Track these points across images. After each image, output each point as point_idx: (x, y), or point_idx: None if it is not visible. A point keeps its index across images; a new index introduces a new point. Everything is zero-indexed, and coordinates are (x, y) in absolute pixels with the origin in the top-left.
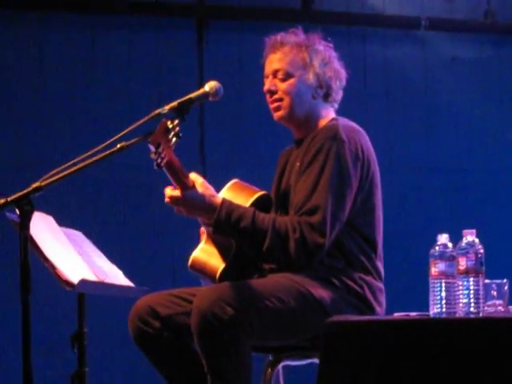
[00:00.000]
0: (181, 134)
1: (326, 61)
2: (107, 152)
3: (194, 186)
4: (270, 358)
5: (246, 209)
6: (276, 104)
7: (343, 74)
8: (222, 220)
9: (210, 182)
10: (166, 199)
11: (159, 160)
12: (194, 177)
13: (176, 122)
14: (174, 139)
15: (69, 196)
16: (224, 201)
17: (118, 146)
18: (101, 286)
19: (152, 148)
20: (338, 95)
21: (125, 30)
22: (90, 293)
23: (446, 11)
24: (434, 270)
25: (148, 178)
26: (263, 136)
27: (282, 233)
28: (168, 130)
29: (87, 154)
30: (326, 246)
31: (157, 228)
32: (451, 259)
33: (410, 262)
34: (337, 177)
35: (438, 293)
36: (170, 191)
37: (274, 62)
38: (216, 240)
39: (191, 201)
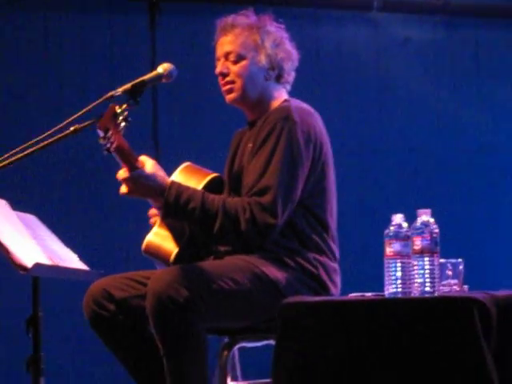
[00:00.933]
0: (130, 119)
1: (278, 42)
2: (61, 134)
3: (142, 167)
4: (226, 339)
5: (195, 191)
6: (228, 86)
7: (295, 55)
8: (170, 202)
9: (163, 166)
10: (120, 180)
11: (108, 145)
12: (143, 158)
13: (124, 106)
14: (122, 124)
15: (22, 180)
16: (173, 183)
17: (72, 128)
18: (55, 269)
19: (100, 133)
20: (290, 76)
21: (77, 11)
22: (44, 276)
23: None
24: (389, 250)
25: (101, 160)
26: (217, 119)
27: (232, 214)
28: (116, 115)
29: (41, 137)
30: (278, 226)
31: (110, 211)
32: (406, 239)
33: (365, 242)
34: (288, 157)
35: (393, 273)
36: (122, 173)
37: (226, 44)
38: (169, 223)
39: (138, 179)
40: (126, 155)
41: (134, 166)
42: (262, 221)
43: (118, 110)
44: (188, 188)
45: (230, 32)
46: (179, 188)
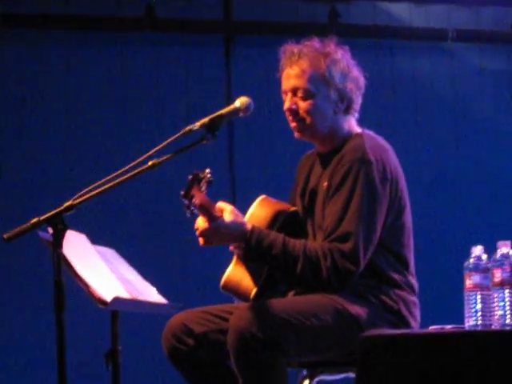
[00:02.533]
0: (212, 179)
1: (346, 72)
2: (138, 169)
3: (220, 216)
4: (305, 372)
5: (275, 236)
6: (298, 124)
7: (362, 80)
8: (252, 249)
9: (239, 198)
10: (197, 232)
11: (192, 209)
12: (222, 205)
13: (207, 171)
14: (205, 186)
15: (101, 214)
16: (253, 229)
17: (150, 163)
18: (134, 303)
19: (185, 202)
20: (358, 104)
21: (153, 46)
22: (123, 310)
23: (473, 22)
24: (468, 283)
25: (176, 194)
26: (292, 151)
27: (314, 261)
28: (200, 181)
29: (119, 172)
30: (359, 272)
31: (186, 244)
32: (486, 271)
33: (444, 274)
34: (367, 200)
35: (474, 305)
36: (201, 223)
37: (292, 78)
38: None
39: (218, 229)
40: (207, 210)
41: (213, 216)
42: (343, 268)
43: (202, 176)
44: (269, 234)
45: (295, 64)
46: (260, 234)
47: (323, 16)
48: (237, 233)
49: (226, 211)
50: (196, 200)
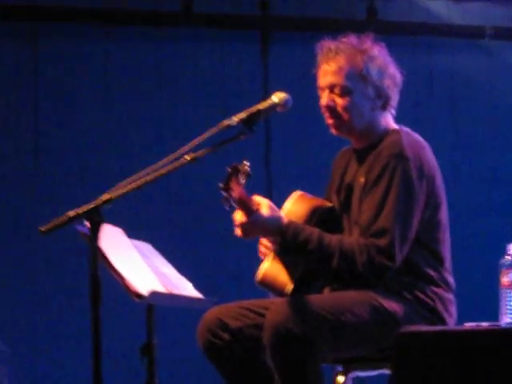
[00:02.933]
0: (250, 172)
1: (383, 68)
2: (176, 163)
3: (258, 210)
4: (340, 368)
5: (311, 231)
6: (335, 120)
7: (399, 77)
8: (288, 244)
9: (275, 195)
10: (235, 225)
11: (231, 203)
12: (259, 199)
13: (246, 163)
14: (244, 179)
15: (138, 208)
16: (290, 223)
17: (188, 157)
18: (170, 297)
19: (224, 194)
20: (395, 101)
21: (189, 42)
22: (159, 304)
23: (511, 20)
24: (504, 280)
25: (213, 189)
26: (329, 147)
27: (349, 256)
28: (238, 173)
29: (157, 166)
30: (395, 268)
31: (222, 238)
32: None
33: (480, 272)
34: (403, 196)
35: (509, 302)
36: (239, 217)
37: (329, 74)
38: (283, 256)
39: (256, 223)
40: (245, 204)
41: (250, 210)
42: (378, 263)
43: (240, 168)
44: (304, 228)
45: (332, 60)
46: (296, 229)
47: (361, 13)
48: (273, 227)
49: (263, 205)
50: (234, 193)
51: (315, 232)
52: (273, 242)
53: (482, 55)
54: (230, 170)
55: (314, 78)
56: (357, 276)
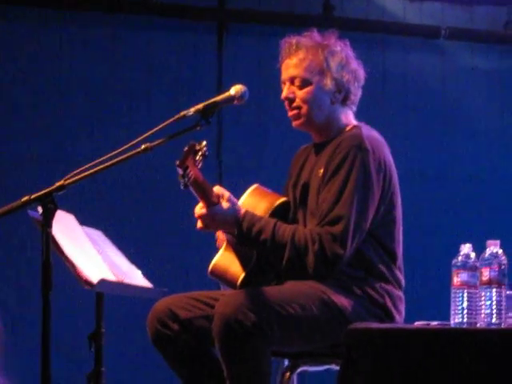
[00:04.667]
0: (207, 153)
1: (344, 63)
2: (131, 152)
3: (218, 201)
4: (287, 362)
5: (266, 221)
6: (294, 112)
7: (361, 73)
8: (243, 233)
9: (226, 186)
10: (196, 216)
11: (186, 180)
12: (219, 190)
13: (203, 143)
14: (200, 159)
15: (90, 195)
16: (246, 214)
17: (143, 146)
18: (120, 286)
19: (180, 171)
20: (357, 96)
21: (146, 31)
22: (108, 292)
23: (466, 21)
24: (456, 280)
25: (165, 179)
26: (281, 140)
27: (302, 245)
28: (196, 152)
29: (111, 154)
30: (346, 257)
31: (172, 228)
32: (474, 269)
33: (432, 271)
34: (361, 186)
35: (460, 303)
36: (198, 209)
37: (291, 67)
38: (236, 247)
39: (216, 216)
40: (202, 189)
41: (210, 202)
42: (331, 251)
43: (198, 148)
44: (260, 219)
45: (294, 54)
46: (252, 219)
47: (317, 8)
48: (232, 219)
49: (224, 198)
50: (191, 174)
51: (271, 222)
52: (226, 232)
53: (436, 55)
54: (187, 148)
55: (268, 71)
56: (308, 266)
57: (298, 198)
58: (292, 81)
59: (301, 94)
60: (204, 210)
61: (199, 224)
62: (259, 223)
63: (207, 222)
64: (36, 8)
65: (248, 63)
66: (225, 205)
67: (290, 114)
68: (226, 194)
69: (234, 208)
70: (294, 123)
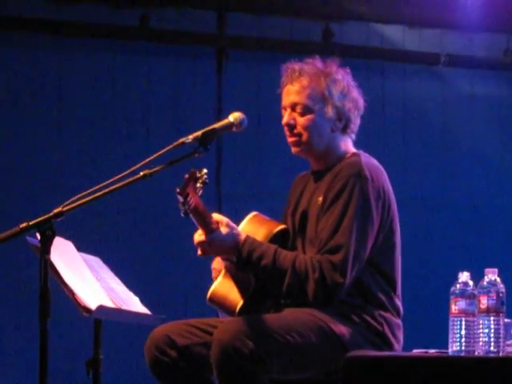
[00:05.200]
0: (207, 181)
1: (345, 91)
2: (130, 179)
3: (217, 228)
4: None
5: (267, 247)
6: (294, 139)
7: (361, 102)
8: (243, 258)
9: (225, 213)
10: (195, 244)
11: (186, 208)
12: (218, 217)
13: (204, 171)
14: (201, 186)
15: (88, 222)
16: (247, 239)
17: (141, 173)
18: (118, 312)
19: (180, 198)
20: (356, 125)
21: (145, 56)
22: (107, 319)
23: (466, 48)
24: (454, 308)
25: (164, 206)
26: (281, 167)
27: (302, 272)
28: (196, 180)
29: (110, 181)
30: (346, 286)
31: (171, 256)
32: (472, 297)
33: (430, 299)
34: (360, 214)
35: (458, 331)
36: (198, 236)
37: (292, 94)
38: (235, 274)
39: (215, 242)
40: (201, 216)
41: (209, 228)
42: (331, 280)
43: (198, 175)
44: (261, 244)
45: (296, 81)
46: (252, 244)
47: (317, 35)
48: (231, 244)
49: (223, 224)
50: (191, 201)
51: (271, 248)
52: (225, 259)
53: (435, 81)
54: (187, 175)
55: (267, 97)
56: (308, 294)
57: (296, 226)
58: (293, 107)
59: (302, 120)
60: (203, 237)
61: (199, 251)
62: (260, 248)
63: (207, 248)
64: (36, 33)
65: (247, 89)
66: (223, 230)
67: (290, 140)
68: (225, 220)
69: (232, 233)
70: (294, 150)
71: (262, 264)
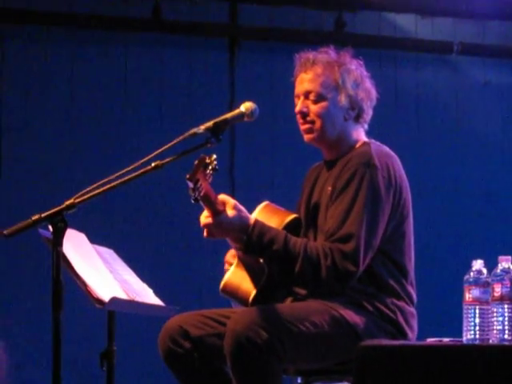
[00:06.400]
0: (217, 167)
1: (359, 81)
2: (142, 170)
3: (224, 210)
4: (299, 380)
5: (277, 231)
6: (307, 126)
7: (374, 93)
8: (253, 241)
9: (238, 202)
10: (202, 226)
11: (197, 194)
12: (224, 198)
13: (214, 156)
14: (211, 173)
15: (101, 214)
16: (256, 222)
17: (153, 164)
18: (131, 304)
19: (190, 184)
20: (369, 115)
21: (157, 47)
22: (120, 311)
23: (479, 36)
24: (468, 296)
25: (177, 197)
26: (294, 157)
27: (314, 258)
28: (206, 166)
29: (121, 172)
30: (358, 274)
31: (185, 247)
32: (486, 285)
33: (444, 287)
34: (370, 204)
35: (472, 319)
36: (204, 219)
37: (306, 82)
38: (247, 264)
39: (221, 224)
40: (211, 201)
41: (216, 211)
42: (343, 269)
43: (208, 161)
44: (271, 228)
45: (310, 69)
46: (262, 228)
47: (329, 24)
48: (239, 227)
49: (229, 205)
50: (202, 187)
51: (281, 233)
52: (237, 248)
53: (448, 70)
54: (197, 161)
55: (280, 88)
56: (320, 280)
57: (309, 216)
58: (307, 95)
59: (315, 108)
60: (210, 219)
61: (205, 233)
62: (270, 233)
63: (213, 230)
64: (48, 26)
65: (260, 79)
66: (230, 213)
67: (303, 127)
68: (231, 201)
69: (240, 215)
70: (306, 137)
71: (272, 248)
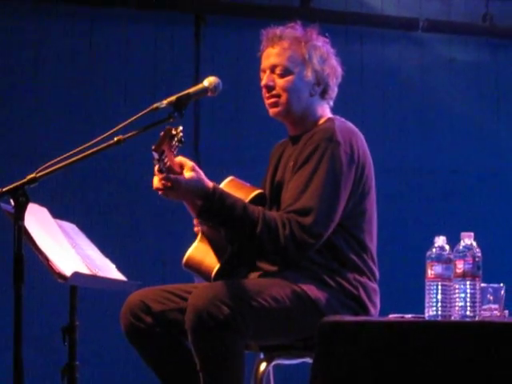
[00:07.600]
0: (184, 139)
1: (325, 57)
2: (104, 145)
3: (181, 172)
4: (262, 356)
5: (236, 198)
6: (273, 100)
7: (339, 71)
8: (214, 207)
9: None
10: (154, 186)
11: (161, 166)
12: (182, 160)
13: (180, 128)
14: (176, 145)
15: (63, 188)
16: (216, 188)
17: (115, 139)
18: (93, 279)
19: (156, 155)
20: (334, 92)
21: (123, 22)
22: (82, 286)
23: (445, 13)
24: (430, 273)
25: (140, 171)
26: (259, 133)
27: (272, 226)
28: (172, 137)
29: (83, 147)
30: (316, 246)
31: (148, 221)
32: (448, 262)
33: (406, 263)
34: (330, 178)
35: (434, 295)
36: (156, 182)
37: (272, 56)
38: (211, 239)
39: (180, 187)
40: (175, 173)
41: (173, 171)
42: (301, 239)
43: (174, 133)
44: (229, 195)
45: (277, 44)
46: (222, 194)
47: (295, 0)
48: (197, 189)
49: (187, 167)
50: (166, 159)
51: (240, 200)
52: (199, 223)
53: (414, 47)
54: (163, 132)
55: (245, 63)
56: (278, 247)
57: (273, 192)
58: (273, 69)
59: (281, 82)
60: (162, 182)
61: (160, 192)
62: (229, 199)
63: (169, 192)
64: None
65: (226, 55)
66: (188, 174)
67: (268, 101)
68: (190, 163)
69: (198, 177)
70: (272, 111)
71: (233, 214)
